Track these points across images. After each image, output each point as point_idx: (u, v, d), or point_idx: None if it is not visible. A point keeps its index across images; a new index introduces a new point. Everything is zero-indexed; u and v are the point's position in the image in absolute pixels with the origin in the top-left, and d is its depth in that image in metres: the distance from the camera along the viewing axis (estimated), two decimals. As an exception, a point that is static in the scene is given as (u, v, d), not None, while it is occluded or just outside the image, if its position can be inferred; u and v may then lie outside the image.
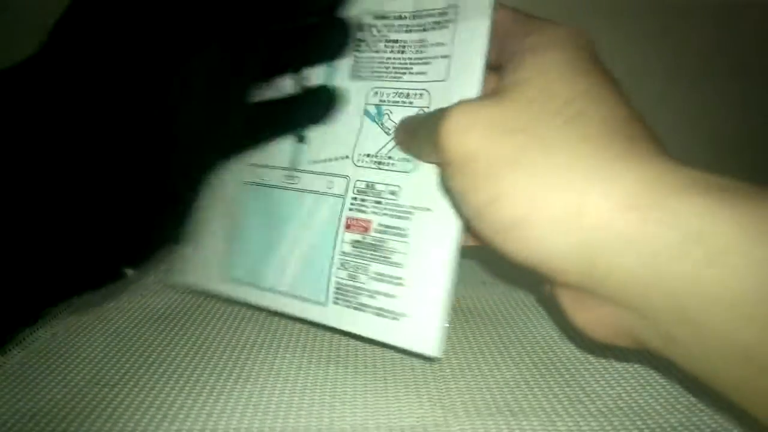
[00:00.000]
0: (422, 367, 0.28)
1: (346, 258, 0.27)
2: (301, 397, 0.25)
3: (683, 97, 0.61)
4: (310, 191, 0.29)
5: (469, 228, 0.23)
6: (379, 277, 0.26)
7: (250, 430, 0.23)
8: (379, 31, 0.28)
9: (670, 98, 0.60)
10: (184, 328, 0.32)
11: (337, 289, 0.27)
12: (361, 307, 0.26)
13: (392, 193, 0.27)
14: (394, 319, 0.26)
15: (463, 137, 0.20)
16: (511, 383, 0.26)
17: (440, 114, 0.21)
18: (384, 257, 0.26)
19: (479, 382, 0.26)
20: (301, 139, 0.29)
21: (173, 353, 0.29)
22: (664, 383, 0.26)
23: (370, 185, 0.27)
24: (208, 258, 0.30)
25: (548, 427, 0.23)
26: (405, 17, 0.28)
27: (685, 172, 0.17)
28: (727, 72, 0.61)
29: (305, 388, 0.26)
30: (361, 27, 0.28)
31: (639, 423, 0.23)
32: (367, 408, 0.24)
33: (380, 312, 0.26)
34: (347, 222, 0.27)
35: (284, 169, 0.30)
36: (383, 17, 0.28)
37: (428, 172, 0.26)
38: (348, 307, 0.27)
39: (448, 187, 0.22)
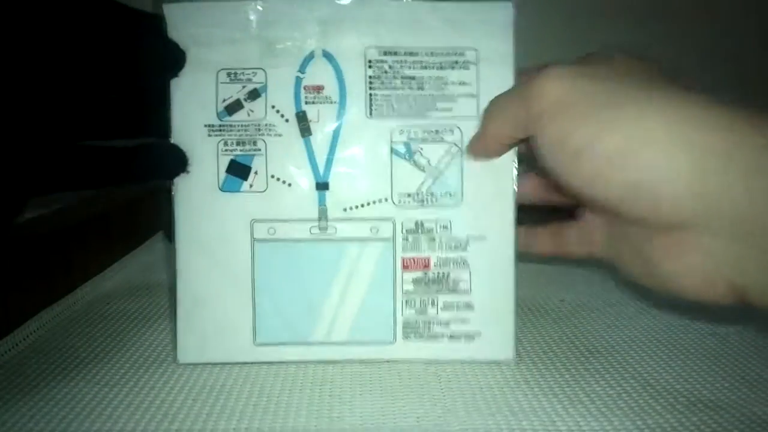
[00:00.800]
0: (422, 366, 0.28)
1: (411, 296, 0.28)
2: (301, 396, 0.25)
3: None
4: (352, 239, 0.28)
5: (560, 181, 0.23)
6: (448, 306, 0.28)
7: (250, 429, 0.23)
8: (391, 68, 0.28)
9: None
10: (184, 328, 0.32)
11: (406, 326, 0.28)
12: (434, 337, 0.28)
13: (444, 227, 0.28)
14: (469, 339, 0.28)
15: (563, 82, 0.21)
16: (511, 383, 0.26)
17: (532, 77, 0.22)
18: (450, 288, 0.28)
19: (479, 382, 0.26)
20: (323, 187, 0.28)
21: (173, 353, 0.29)
22: (664, 383, 0.26)
23: (419, 224, 0.28)
24: (223, 329, 0.28)
25: (548, 427, 0.23)
26: (417, 54, 0.28)
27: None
28: (726, 70, 0.61)
29: (305, 388, 0.26)
30: (370, 64, 0.28)
31: (639, 423, 0.23)
32: (367, 408, 0.24)
33: (454, 336, 0.28)
34: (404, 263, 0.28)
35: (311, 221, 0.28)
36: (393, 53, 0.28)
37: (475, 203, 0.28)
38: (420, 339, 0.28)
39: (542, 140, 0.22)
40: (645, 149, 0.19)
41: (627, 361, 0.28)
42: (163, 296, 0.38)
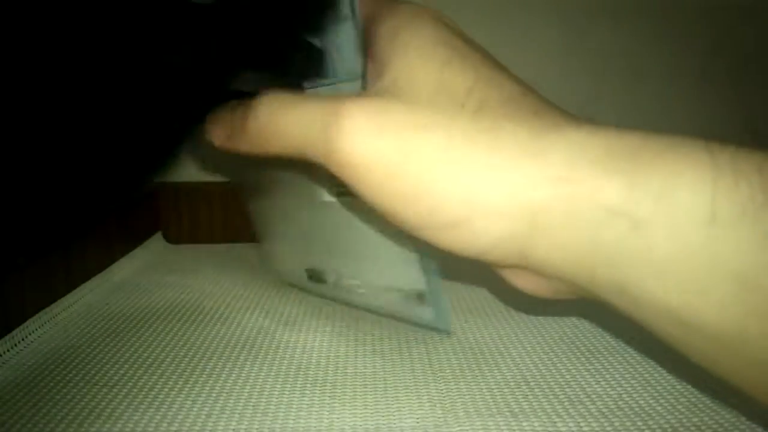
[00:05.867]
0: (422, 367, 0.28)
1: None
2: (301, 397, 0.25)
3: (683, 96, 0.61)
4: None
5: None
6: None
7: (250, 430, 0.23)
8: None
9: (670, 98, 0.60)
10: (183, 328, 0.32)
11: None
12: None
13: None
14: None
15: (378, 143, 0.18)
16: (512, 383, 0.26)
17: (327, 111, 0.18)
18: None
19: (479, 383, 0.26)
20: None
21: (172, 353, 0.29)
22: (665, 383, 0.26)
23: None
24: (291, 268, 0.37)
25: (549, 428, 0.23)
26: None
27: (595, 140, 0.17)
28: (727, 72, 0.61)
29: (305, 389, 0.26)
30: None
31: (640, 423, 0.23)
32: (367, 409, 0.24)
33: None
34: None
35: None
36: None
37: None
38: None
39: (368, 201, 0.19)
40: (477, 220, 0.18)
41: (628, 362, 0.28)
42: (161, 296, 0.38)
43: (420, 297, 0.31)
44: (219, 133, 0.22)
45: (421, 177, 0.18)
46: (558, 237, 0.17)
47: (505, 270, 0.20)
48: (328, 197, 0.31)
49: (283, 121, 0.20)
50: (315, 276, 0.36)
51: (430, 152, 0.18)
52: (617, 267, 0.16)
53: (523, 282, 0.20)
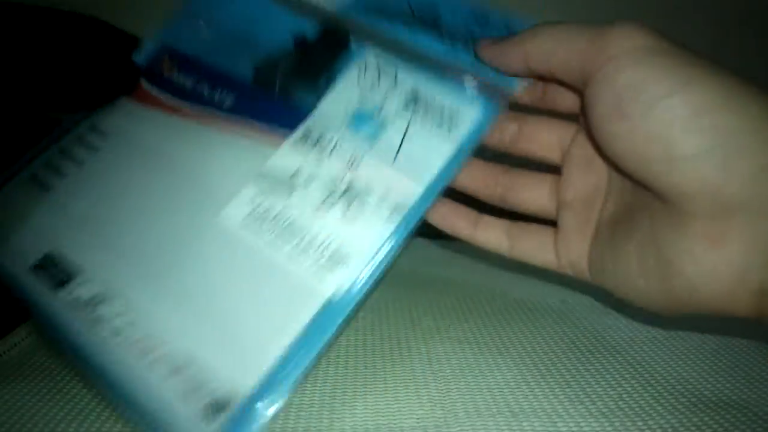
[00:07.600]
0: (422, 367, 0.28)
1: None
2: (301, 397, 0.25)
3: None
4: None
5: (616, 140, 0.20)
6: None
7: (250, 430, 0.23)
8: None
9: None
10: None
11: None
12: None
13: None
14: None
15: (649, 31, 0.20)
16: (512, 384, 0.26)
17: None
18: None
19: (479, 383, 0.26)
20: None
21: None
22: (665, 383, 0.26)
23: None
24: None
25: (549, 428, 0.23)
26: None
27: None
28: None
29: (304, 389, 0.26)
30: None
31: (640, 423, 0.23)
32: (367, 409, 0.24)
33: None
34: None
35: None
36: None
37: None
38: None
39: (610, 86, 0.20)
40: (724, 112, 0.18)
41: (628, 362, 0.28)
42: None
43: (217, 407, 0.19)
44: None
45: (675, 61, 0.19)
46: None
47: (702, 229, 0.18)
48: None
49: (548, 28, 0.23)
50: (56, 272, 0.23)
51: (682, 54, 0.19)
52: None
53: (715, 253, 0.18)
